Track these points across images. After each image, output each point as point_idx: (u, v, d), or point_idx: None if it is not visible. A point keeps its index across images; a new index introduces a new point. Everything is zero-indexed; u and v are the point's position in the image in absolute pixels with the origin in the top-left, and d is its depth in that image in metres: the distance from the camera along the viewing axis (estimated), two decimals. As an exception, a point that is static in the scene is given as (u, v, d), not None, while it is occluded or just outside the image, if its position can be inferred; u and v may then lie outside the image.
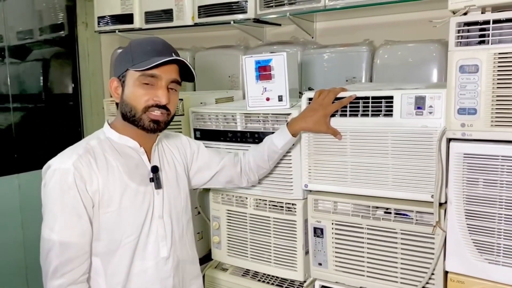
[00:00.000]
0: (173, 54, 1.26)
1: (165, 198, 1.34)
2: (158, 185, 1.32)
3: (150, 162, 1.34)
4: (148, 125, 1.26)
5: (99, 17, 2.92)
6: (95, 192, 1.21)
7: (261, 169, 1.58)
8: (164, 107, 1.26)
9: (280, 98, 1.60)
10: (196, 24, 2.50)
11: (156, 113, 1.26)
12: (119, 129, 1.31)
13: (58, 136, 3.26)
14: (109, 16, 2.87)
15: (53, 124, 3.29)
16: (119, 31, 2.84)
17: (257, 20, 2.31)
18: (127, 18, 2.78)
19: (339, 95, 1.46)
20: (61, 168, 1.19)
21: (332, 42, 2.28)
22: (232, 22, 2.34)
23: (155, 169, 1.32)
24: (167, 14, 2.61)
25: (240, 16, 2.31)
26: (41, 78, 3.30)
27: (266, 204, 1.72)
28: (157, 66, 1.22)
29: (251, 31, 2.53)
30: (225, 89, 2.44)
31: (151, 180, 1.31)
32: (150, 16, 2.68)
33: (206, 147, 1.59)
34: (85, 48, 3.23)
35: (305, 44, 2.30)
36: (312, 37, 2.40)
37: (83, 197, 1.19)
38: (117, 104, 1.32)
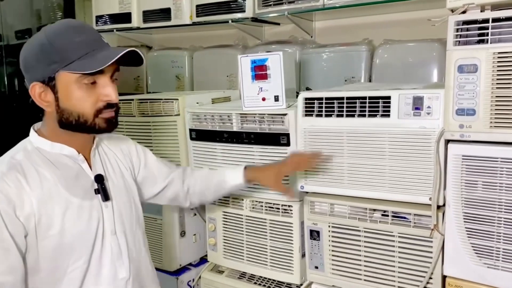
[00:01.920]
0: (102, 39, 1.06)
1: (115, 211, 1.14)
2: (106, 197, 1.12)
3: (92, 171, 1.14)
4: (106, 127, 1.07)
5: (97, 16, 2.90)
6: (29, 216, 0.99)
7: (204, 197, 1.48)
8: (114, 104, 1.08)
9: (276, 98, 1.57)
10: (194, 23, 2.48)
11: (110, 112, 1.07)
12: (49, 136, 1.09)
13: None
14: (107, 15, 2.85)
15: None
16: (117, 30, 2.82)
17: (255, 19, 2.29)
18: (125, 17, 2.76)
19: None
20: None
21: (331, 42, 2.25)
22: (230, 21, 2.32)
23: (99, 178, 1.12)
24: (165, 13, 2.59)
25: (238, 15, 2.28)
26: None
27: (262, 206, 1.69)
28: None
29: (249, 30, 2.50)
30: (224, 88, 2.41)
31: (97, 191, 1.11)
32: (148, 15, 2.66)
33: (199, 147, 1.51)
34: (83, 47, 3.20)
35: (303, 43, 2.27)
36: (311, 36, 2.37)
37: (11, 225, 0.96)
38: (40, 109, 1.08)
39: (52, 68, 1.01)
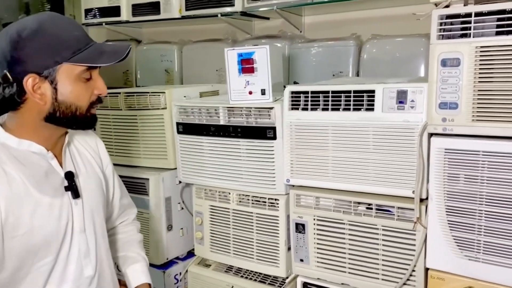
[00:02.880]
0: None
1: (85, 208, 1.12)
2: (76, 194, 1.09)
3: (62, 168, 1.11)
4: (91, 123, 1.09)
5: (86, 10, 2.88)
6: None
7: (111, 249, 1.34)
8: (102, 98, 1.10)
9: (263, 92, 1.58)
10: (183, 17, 2.47)
11: (96, 108, 1.09)
12: (17, 132, 1.04)
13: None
14: (96, 8, 2.83)
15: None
16: (106, 24, 2.80)
17: (244, 13, 2.29)
18: (114, 11, 2.74)
19: None
20: None
21: (320, 36, 2.25)
22: (219, 15, 2.31)
23: (69, 176, 1.10)
24: (154, 7, 2.57)
25: (228, 9, 2.28)
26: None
27: (249, 200, 1.70)
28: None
29: (239, 24, 2.50)
30: (213, 82, 2.41)
31: (67, 189, 1.08)
32: (137, 9, 2.65)
33: (186, 140, 1.46)
34: (72, 41, 3.18)
35: (292, 38, 2.27)
36: (300, 31, 2.38)
37: None
38: (9, 103, 1.01)
39: (55, 60, 0.99)
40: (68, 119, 1.04)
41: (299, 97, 1.50)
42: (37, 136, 1.05)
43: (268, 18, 2.46)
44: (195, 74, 2.55)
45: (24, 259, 1.01)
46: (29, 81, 0.98)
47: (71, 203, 1.09)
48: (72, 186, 1.09)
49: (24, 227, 0.99)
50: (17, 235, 0.98)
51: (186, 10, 2.44)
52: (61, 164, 1.11)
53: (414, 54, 1.92)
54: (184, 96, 1.89)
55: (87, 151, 1.22)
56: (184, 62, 2.61)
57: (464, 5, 1.21)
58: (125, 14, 2.70)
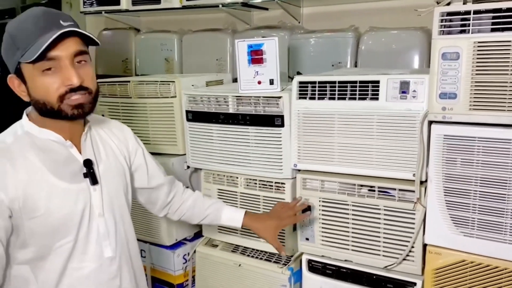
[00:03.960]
0: (61, 22, 1.03)
1: (104, 194, 1.18)
2: (94, 181, 1.15)
3: (81, 155, 1.16)
4: (73, 113, 1.07)
5: (84, -3, 2.90)
6: (14, 199, 1.03)
7: (190, 220, 1.51)
8: (80, 87, 1.06)
9: (272, 82, 1.67)
10: (184, 7, 2.52)
11: (76, 97, 1.06)
12: (38, 122, 1.11)
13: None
14: (95, -4, 2.86)
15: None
16: (105, 12, 2.83)
17: (245, 4, 2.36)
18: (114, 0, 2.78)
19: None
20: None
21: (318, 28, 2.34)
22: (220, 6, 2.38)
23: (88, 163, 1.15)
24: (155, -4, 2.62)
25: (228, 0, 2.35)
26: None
27: (256, 183, 1.80)
28: (49, 49, 1.00)
29: (238, 14, 2.57)
30: (212, 72, 2.49)
31: (85, 175, 1.14)
32: (137, -2, 2.69)
33: (195, 128, 1.53)
34: (69, 29, 3.19)
35: (292, 29, 2.36)
36: (299, 22, 2.46)
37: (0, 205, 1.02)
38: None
39: (15, 60, 1.04)
40: (48, 112, 1.08)
41: (307, 87, 1.60)
42: (53, 127, 1.12)
43: (267, 9, 2.54)
44: (195, 63, 2.61)
45: (44, 238, 1.09)
46: (12, 81, 1.08)
47: (89, 189, 1.16)
48: (90, 173, 1.15)
49: (41, 209, 1.06)
50: (36, 217, 1.06)
51: (187, 0, 2.49)
52: (80, 152, 1.17)
53: (409, 46, 2.03)
54: (192, 85, 1.97)
55: (111, 139, 1.27)
56: (184, 51, 2.67)
57: (464, 3, 1.32)
58: (125, 3, 2.73)
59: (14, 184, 1.03)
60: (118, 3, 2.76)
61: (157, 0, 2.61)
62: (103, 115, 2.13)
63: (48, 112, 1.08)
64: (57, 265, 1.12)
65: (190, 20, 2.83)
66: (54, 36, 0.99)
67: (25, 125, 1.12)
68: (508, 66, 1.25)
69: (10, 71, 1.08)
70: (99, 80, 2.14)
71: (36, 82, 1.05)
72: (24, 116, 1.14)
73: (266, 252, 1.85)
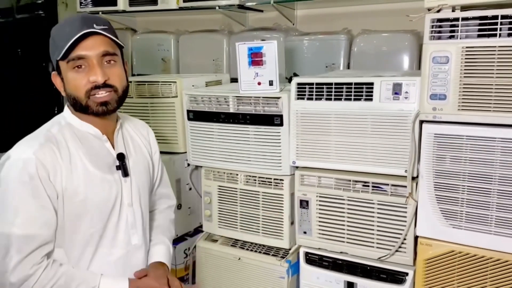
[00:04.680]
0: (94, 26, 1.14)
1: (133, 186, 1.28)
2: (125, 173, 1.25)
3: (114, 149, 1.27)
4: (97, 109, 1.17)
5: (81, -2, 2.94)
6: (59, 183, 1.14)
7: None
8: (106, 85, 1.16)
9: (271, 83, 1.75)
10: (181, 8, 2.58)
11: (101, 94, 1.16)
12: (79, 115, 1.22)
13: (35, 118, 3.27)
14: (91, -3, 2.90)
15: (30, 106, 3.30)
16: (102, 13, 2.88)
17: (241, 6, 2.43)
18: (110, 0, 2.82)
19: None
20: (22, 158, 1.11)
21: (311, 29, 2.43)
22: (217, 8, 2.44)
23: (121, 157, 1.25)
24: (152, -3, 2.67)
25: (224, 2, 2.41)
26: (18, 57, 3.30)
27: (255, 180, 1.88)
28: (74, 47, 1.12)
29: (233, 16, 2.64)
30: (209, 72, 2.56)
31: (118, 168, 1.24)
32: (135, -1, 2.74)
33: (196, 126, 1.55)
34: (65, 29, 3.23)
35: (287, 30, 2.44)
36: (293, 24, 2.54)
37: (47, 187, 1.12)
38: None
39: (55, 59, 1.17)
40: (79, 107, 1.19)
41: (305, 88, 1.68)
42: (91, 121, 1.22)
43: (262, 11, 2.61)
44: (192, 63, 2.67)
45: (78, 222, 1.18)
46: (53, 78, 1.21)
47: (121, 180, 1.25)
48: (122, 166, 1.25)
49: (80, 195, 1.17)
50: (75, 201, 1.16)
51: (184, 1, 2.55)
52: (113, 146, 1.27)
53: (399, 48, 2.12)
54: (193, 85, 2.04)
55: (138, 137, 1.38)
56: (180, 52, 2.73)
57: (452, 11, 1.41)
58: (122, 3, 2.78)
59: (60, 170, 1.14)
60: (115, 4, 2.81)
61: (154, 1, 2.67)
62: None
63: (79, 107, 1.19)
64: (89, 249, 1.20)
65: (186, 20, 2.89)
66: (76, 36, 1.10)
67: (67, 117, 1.23)
68: (493, 69, 1.35)
69: (52, 69, 1.21)
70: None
71: (68, 78, 1.16)
72: (66, 108, 1.25)
73: (264, 245, 1.93)
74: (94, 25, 1.14)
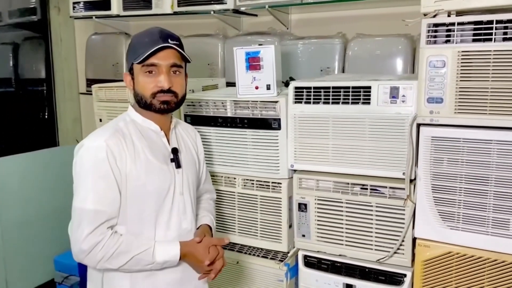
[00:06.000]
0: (169, 40, 1.36)
1: (184, 177, 1.46)
2: (178, 165, 1.44)
3: (169, 144, 1.46)
4: (160, 107, 1.38)
5: (74, 2, 2.94)
6: (123, 168, 1.33)
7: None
8: (169, 91, 1.37)
9: (268, 87, 1.76)
10: (175, 13, 2.59)
11: (164, 97, 1.37)
12: (141, 113, 1.43)
13: (29, 121, 3.26)
14: (85, 1, 2.89)
15: (24, 109, 3.28)
16: (96, 18, 2.87)
17: (236, 11, 2.44)
18: (104, 4, 2.82)
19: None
20: (94, 145, 1.31)
21: (306, 34, 2.45)
22: (212, 12, 2.46)
23: (175, 151, 1.45)
24: (146, 2, 2.68)
25: (220, 7, 2.43)
26: (11, 62, 3.28)
27: (253, 184, 1.88)
28: (151, 55, 1.33)
29: (228, 20, 2.65)
30: (204, 76, 2.56)
31: (172, 160, 1.44)
32: (129, 3, 2.74)
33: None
34: (57, 33, 3.23)
35: (282, 35, 2.46)
36: (287, 28, 2.56)
37: (114, 171, 1.31)
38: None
39: (130, 61, 1.39)
40: (143, 104, 1.39)
41: (302, 92, 1.70)
42: (151, 118, 1.42)
43: (256, 15, 2.63)
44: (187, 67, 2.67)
45: (140, 204, 1.36)
46: (126, 77, 1.44)
47: (174, 171, 1.44)
48: (176, 158, 1.44)
49: (141, 179, 1.35)
50: (137, 185, 1.35)
51: (178, 6, 2.56)
52: (168, 142, 1.46)
53: (393, 52, 2.16)
54: (189, 90, 2.04)
55: (187, 138, 1.58)
56: (175, 56, 2.73)
57: (448, 16, 1.44)
58: (116, 8, 2.79)
59: (125, 157, 1.33)
60: (108, 8, 2.81)
61: (148, 5, 2.68)
62: (100, 120, 2.18)
63: (143, 104, 1.39)
64: (147, 230, 1.38)
65: (181, 25, 2.89)
66: (155, 48, 1.32)
67: (131, 115, 1.44)
68: (488, 73, 1.37)
69: (126, 69, 1.44)
70: (94, 86, 2.21)
71: (139, 79, 1.38)
72: (130, 107, 1.46)
73: (263, 249, 1.94)
74: (169, 40, 1.36)
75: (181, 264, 1.42)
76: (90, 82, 3.05)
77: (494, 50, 1.36)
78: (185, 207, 1.46)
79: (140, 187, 1.35)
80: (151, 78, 1.36)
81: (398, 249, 1.63)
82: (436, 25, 1.44)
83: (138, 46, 1.36)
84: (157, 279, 1.40)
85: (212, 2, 2.45)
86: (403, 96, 1.54)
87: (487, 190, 1.42)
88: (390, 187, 1.62)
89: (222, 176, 1.95)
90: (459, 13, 1.43)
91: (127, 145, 1.35)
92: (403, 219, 1.61)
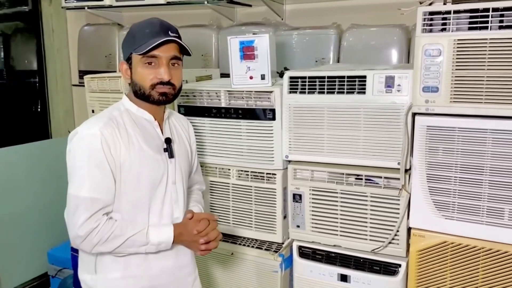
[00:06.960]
0: (169, 33, 1.36)
1: (177, 167, 1.47)
2: (171, 155, 1.45)
3: (163, 134, 1.46)
4: (158, 98, 1.38)
5: (65, -8, 2.89)
6: (118, 157, 1.33)
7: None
8: (168, 82, 1.37)
9: (263, 77, 1.74)
10: (168, 3, 2.56)
11: (162, 89, 1.37)
12: (135, 102, 1.43)
13: (21, 113, 3.22)
14: (76, -8, 2.85)
15: (16, 101, 3.25)
16: (88, 8, 2.84)
17: (230, 1, 2.42)
18: (96, -5, 2.78)
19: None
20: (89, 133, 1.32)
21: (300, 24, 2.43)
22: (206, 2, 2.43)
23: (168, 140, 1.46)
24: (139, -8, 2.64)
25: (214, -3, 2.40)
26: (2, 54, 3.24)
27: (248, 175, 1.87)
28: (154, 48, 1.33)
29: (222, 10, 2.63)
30: (198, 67, 2.54)
31: (165, 150, 1.44)
32: (121, -6, 2.70)
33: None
34: (49, 24, 3.18)
35: (276, 25, 2.44)
36: (282, 19, 2.54)
37: (109, 159, 1.31)
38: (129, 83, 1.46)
39: (129, 51, 1.38)
40: (141, 95, 1.39)
41: (297, 81, 1.68)
42: (146, 108, 1.42)
43: (250, 6, 2.61)
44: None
45: (134, 193, 1.37)
46: (122, 66, 1.42)
47: (167, 161, 1.44)
48: (169, 148, 1.45)
49: (135, 169, 1.36)
50: (131, 173, 1.35)
51: (172, -4, 2.53)
52: (162, 132, 1.46)
53: (388, 42, 2.14)
54: (183, 80, 2.01)
55: (180, 128, 1.58)
56: (169, 47, 2.70)
57: (444, 4, 1.43)
58: (108, -2, 2.75)
59: (119, 146, 1.33)
60: (101, -2, 2.77)
61: (141, -4, 2.64)
62: (93, 111, 2.16)
63: (141, 95, 1.39)
64: (140, 217, 1.39)
65: (174, 15, 2.86)
66: (160, 41, 1.32)
67: (125, 104, 1.43)
68: (484, 62, 1.37)
69: (123, 58, 1.42)
70: (86, 76, 2.18)
71: (139, 70, 1.37)
72: (124, 97, 1.45)
73: (257, 240, 1.93)
74: (169, 32, 1.36)
75: (174, 250, 1.44)
76: (82, 74, 3.01)
77: (490, 39, 1.35)
78: (177, 196, 1.47)
79: (134, 175, 1.36)
80: (151, 70, 1.36)
81: (393, 239, 1.63)
82: (431, 13, 1.43)
83: (139, 36, 1.35)
84: (150, 265, 1.41)
85: (206, -8, 2.43)
86: (399, 85, 1.53)
87: (482, 180, 1.42)
88: (385, 177, 1.61)
89: (216, 167, 1.93)
90: (455, 1, 1.43)
91: (121, 134, 1.36)
92: (398, 209, 1.60)
